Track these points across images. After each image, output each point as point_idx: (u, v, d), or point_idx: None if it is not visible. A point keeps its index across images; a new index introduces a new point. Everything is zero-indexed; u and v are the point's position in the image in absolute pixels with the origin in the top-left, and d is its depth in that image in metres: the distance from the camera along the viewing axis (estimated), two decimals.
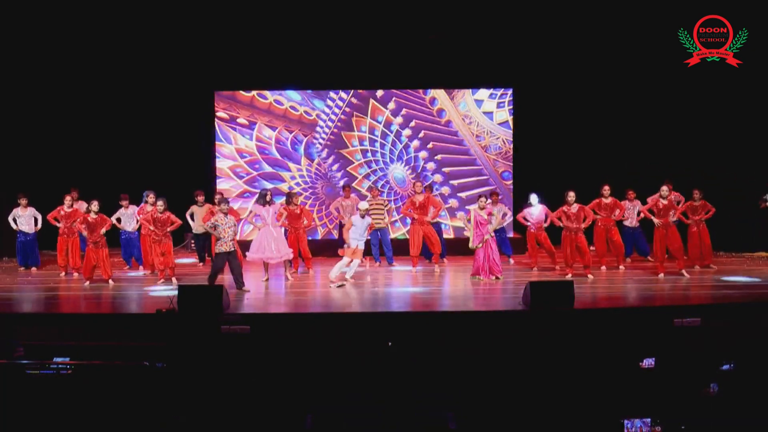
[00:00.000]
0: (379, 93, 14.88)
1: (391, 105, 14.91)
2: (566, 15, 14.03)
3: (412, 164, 14.97)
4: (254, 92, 14.84)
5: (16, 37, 13.88)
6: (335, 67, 14.69)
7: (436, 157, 14.95)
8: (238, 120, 14.86)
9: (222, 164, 14.93)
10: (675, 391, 7.42)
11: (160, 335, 8.98)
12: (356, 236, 11.60)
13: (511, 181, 14.90)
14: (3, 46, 13.87)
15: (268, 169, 14.98)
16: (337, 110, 14.92)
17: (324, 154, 14.96)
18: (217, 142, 14.92)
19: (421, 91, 14.90)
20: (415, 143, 14.93)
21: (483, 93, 14.86)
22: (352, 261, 11.62)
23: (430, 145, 14.94)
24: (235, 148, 14.90)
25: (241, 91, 14.84)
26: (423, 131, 14.93)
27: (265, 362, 8.32)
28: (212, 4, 13.95)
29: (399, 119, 14.89)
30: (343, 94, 14.88)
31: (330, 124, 14.92)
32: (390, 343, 8.53)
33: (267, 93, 14.84)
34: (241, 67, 14.69)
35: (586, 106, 14.83)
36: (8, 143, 14.41)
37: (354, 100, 14.93)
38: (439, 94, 14.90)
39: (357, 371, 8.05)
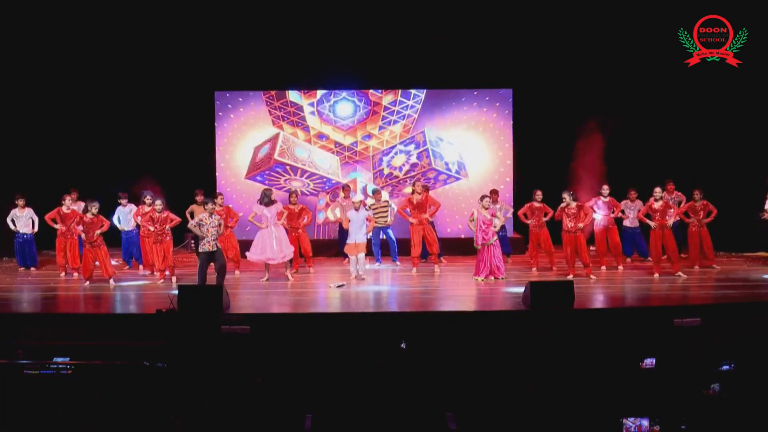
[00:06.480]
0: None
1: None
2: (566, 14, 14.02)
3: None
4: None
5: (16, 37, 13.87)
6: (333, 67, 14.67)
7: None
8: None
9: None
10: (675, 391, 7.42)
11: (160, 335, 8.97)
12: (353, 231, 11.54)
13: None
14: (2, 46, 13.86)
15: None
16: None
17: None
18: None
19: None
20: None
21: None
22: (357, 257, 11.58)
23: None
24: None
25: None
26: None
27: (265, 362, 8.32)
28: (212, 3, 13.95)
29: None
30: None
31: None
32: (403, 345, 8.54)
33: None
34: (241, 67, 14.69)
35: (586, 107, 14.81)
36: (8, 143, 14.39)
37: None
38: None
39: (357, 371, 8.04)
